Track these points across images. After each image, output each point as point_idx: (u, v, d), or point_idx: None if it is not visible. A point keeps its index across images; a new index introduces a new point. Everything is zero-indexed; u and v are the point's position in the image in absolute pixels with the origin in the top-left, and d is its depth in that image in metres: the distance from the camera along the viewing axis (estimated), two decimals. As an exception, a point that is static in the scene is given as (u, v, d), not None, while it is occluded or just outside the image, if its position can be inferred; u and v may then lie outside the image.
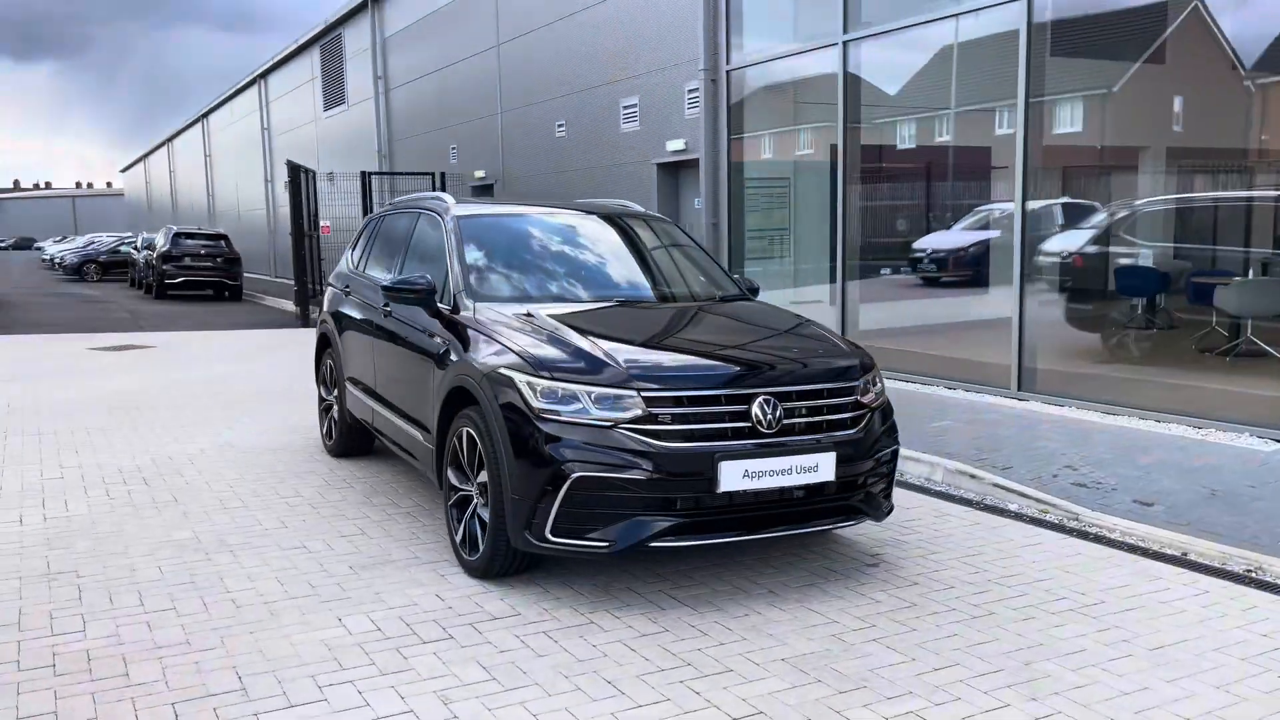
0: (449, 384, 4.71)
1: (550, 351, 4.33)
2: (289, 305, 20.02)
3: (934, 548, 5.00)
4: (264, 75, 32.30)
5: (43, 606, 4.18)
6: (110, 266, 36.03)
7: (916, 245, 10.25)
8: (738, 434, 4.14)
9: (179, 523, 5.37)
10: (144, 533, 5.19)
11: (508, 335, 4.54)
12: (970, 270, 9.85)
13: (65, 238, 58.39)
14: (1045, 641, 3.86)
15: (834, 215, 10.30)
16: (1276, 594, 4.36)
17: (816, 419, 4.33)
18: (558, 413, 4.09)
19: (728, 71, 11.74)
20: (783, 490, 4.18)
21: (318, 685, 3.45)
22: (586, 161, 14.76)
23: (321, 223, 17.87)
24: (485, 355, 4.50)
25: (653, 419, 4.05)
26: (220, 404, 9.09)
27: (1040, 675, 3.56)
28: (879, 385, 4.69)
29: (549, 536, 4.07)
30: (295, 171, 17.47)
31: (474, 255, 5.36)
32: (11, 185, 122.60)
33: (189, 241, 25.21)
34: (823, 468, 4.23)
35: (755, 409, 4.16)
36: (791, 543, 4.98)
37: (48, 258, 47.15)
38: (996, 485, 5.92)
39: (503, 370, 4.30)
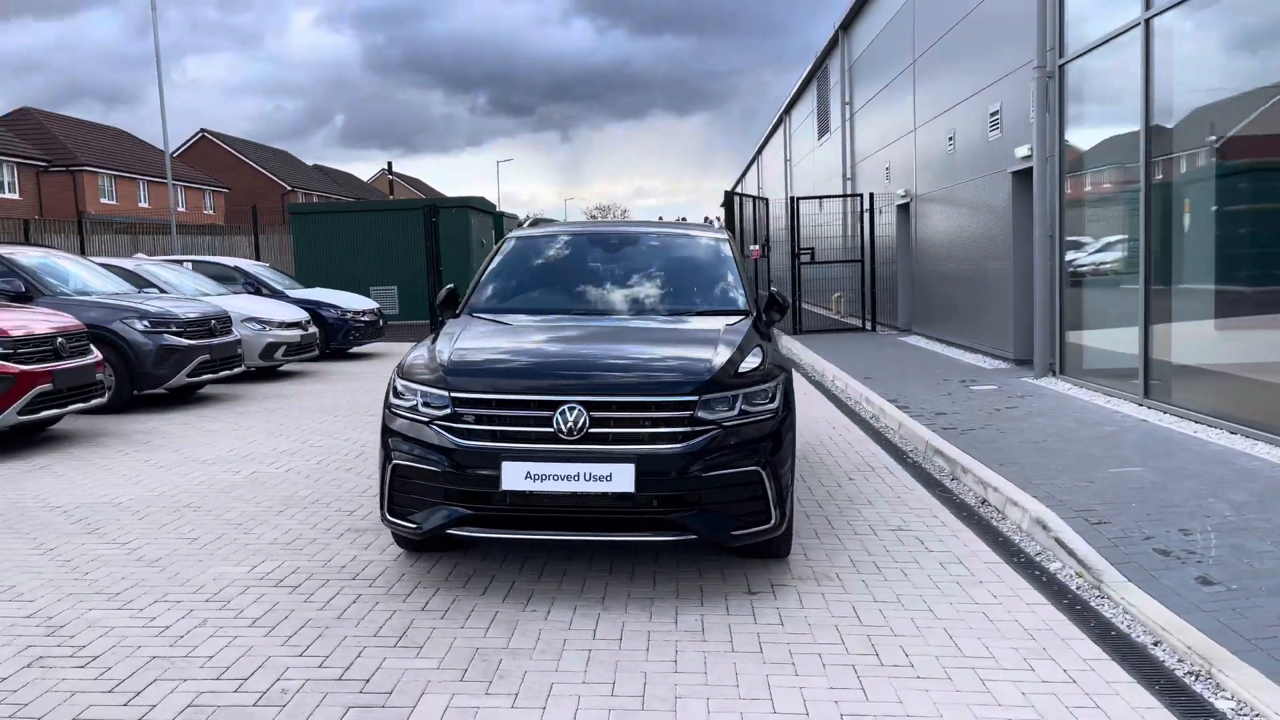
0: None
1: (418, 354, 4.93)
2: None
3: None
4: (788, 110, 34.67)
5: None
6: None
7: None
8: (540, 438, 4.35)
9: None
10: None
11: (426, 341, 5.20)
12: None
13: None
14: None
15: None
16: None
17: (623, 430, 4.33)
18: (399, 408, 4.68)
19: (1060, 65, 10.50)
20: (575, 495, 4.28)
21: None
22: (970, 174, 13.99)
23: (751, 247, 19.12)
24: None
25: (458, 417, 4.46)
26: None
27: None
28: (747, 406, 4.47)
29: (388, 516, 4.67)
30: (729, 198, 18.94)
31: (500, 269, 6.09)
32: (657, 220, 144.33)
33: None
34: (618, 478, 4.24)
35: (558, 415, 4.33)
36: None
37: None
38: None
39: (395, 370, 5.00)
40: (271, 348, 13.18)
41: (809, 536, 5.40)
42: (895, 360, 13.50)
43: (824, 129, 27.06)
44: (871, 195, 18.87)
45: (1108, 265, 10.17)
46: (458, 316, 5.75)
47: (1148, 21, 8.71)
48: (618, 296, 5.90)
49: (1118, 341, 9.60)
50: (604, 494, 4.26)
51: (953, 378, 11.41)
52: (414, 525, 4.52)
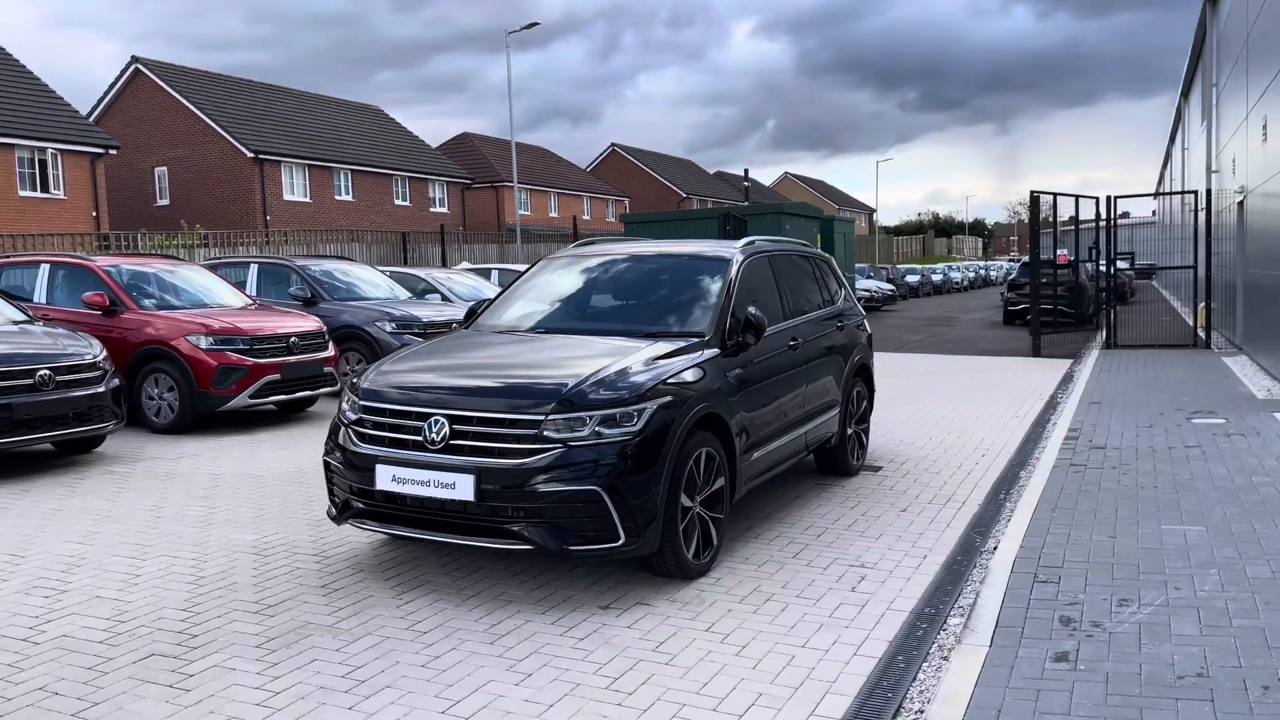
0: None
1: (372, 365, 5.56)
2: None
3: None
4: (1184, 93, 30.65)
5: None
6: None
7: None
8: (412, 445, 4.81)
9: None
10: None
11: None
12: None
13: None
14: None
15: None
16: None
17: (476, 443, 4.64)
18: (341, 411, 5.34)
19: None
20: (428, 500, 4.67)
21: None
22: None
23: (1059, 250, 17.43)
24: None
25: (361, 423, 5.04)
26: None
27: None
28: (602, 427, 4.60)
29: (329, 505, 5.36)
30: (1035, 200, 17.42)
31: (510, 289, 6.57)
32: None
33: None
34: (460, 486, 4.59)
35: (426, 426, 4.76)
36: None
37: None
38: None
39: None
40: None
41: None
42: (1161, 385, 11.78)
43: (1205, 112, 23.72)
44: (1209, 192, 16.39)
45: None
46: (464, 330, 6.31)
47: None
48: (576, 318, 6.08)
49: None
50: (449, 500, 4.62)
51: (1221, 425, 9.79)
52: (334, 513, 5.17)
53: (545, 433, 4.57)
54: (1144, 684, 3.54)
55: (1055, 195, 17.52)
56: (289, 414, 10.90)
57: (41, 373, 7.60)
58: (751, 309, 5.73)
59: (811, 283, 7.17)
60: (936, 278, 47.31)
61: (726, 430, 5.27)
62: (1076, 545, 5.23)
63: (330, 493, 5.26)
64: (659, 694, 3.70)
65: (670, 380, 4.96)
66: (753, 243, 6.60)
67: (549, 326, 5.98)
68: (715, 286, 5.95)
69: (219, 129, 35.41)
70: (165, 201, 36.50)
